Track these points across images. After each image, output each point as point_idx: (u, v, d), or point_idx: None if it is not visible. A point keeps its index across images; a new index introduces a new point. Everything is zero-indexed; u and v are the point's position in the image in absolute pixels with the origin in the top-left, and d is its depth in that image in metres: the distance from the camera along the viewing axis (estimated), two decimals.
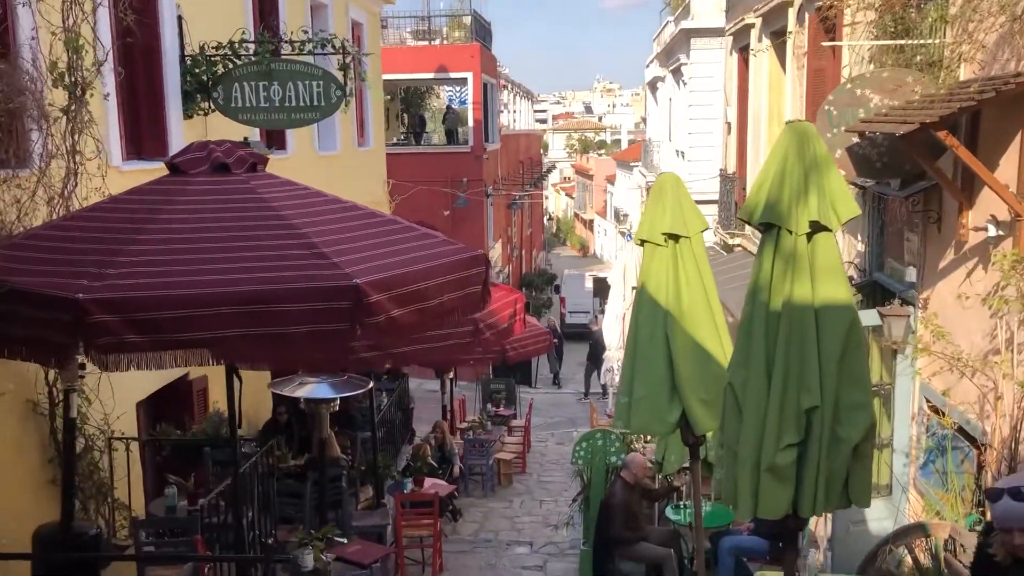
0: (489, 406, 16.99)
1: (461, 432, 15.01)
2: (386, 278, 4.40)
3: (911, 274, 7.20)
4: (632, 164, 44.75)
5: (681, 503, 8.61)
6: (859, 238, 8.74)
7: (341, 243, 4.60)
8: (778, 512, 3.75)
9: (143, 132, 8.02)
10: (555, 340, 23.90)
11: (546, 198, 62.28)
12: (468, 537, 10.71)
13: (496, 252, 25.34)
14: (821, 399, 3.67)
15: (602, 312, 28.62)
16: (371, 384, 7.63)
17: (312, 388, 7.33)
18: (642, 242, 5.91)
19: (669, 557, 8.01)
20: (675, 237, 5.78)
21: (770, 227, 3.83)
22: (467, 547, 9.78)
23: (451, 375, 13.25)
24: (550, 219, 65.33)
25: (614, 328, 17.31)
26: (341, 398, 11.09)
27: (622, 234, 49.86)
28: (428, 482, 9.48)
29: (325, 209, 4.99)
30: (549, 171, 47.20)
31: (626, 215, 48.17)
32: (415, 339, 7.60)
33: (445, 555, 9.34)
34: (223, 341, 4.21)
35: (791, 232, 3.77)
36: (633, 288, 14.75)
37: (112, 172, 6.90)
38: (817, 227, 3.76)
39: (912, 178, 6.85)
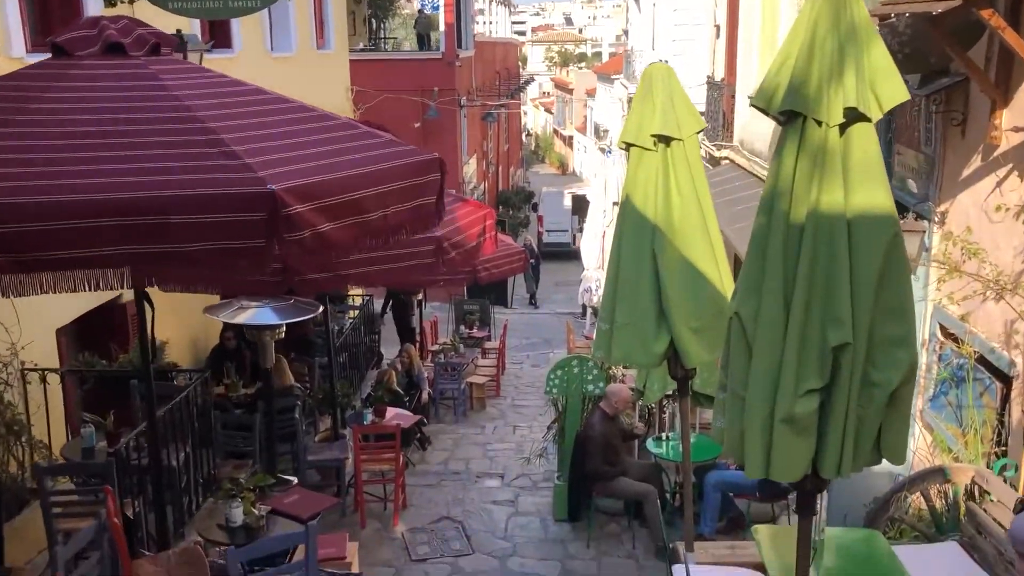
0: (462, 328, 16.29)
1: (432, 355, 14.34)
2: (311, 185, 3.56)
3: (925, 185, 6.42)
4: (613, 77, 43.22)
5: (663, 435, 7.99)
6: None
7: (259, 141, 3.74)
8: (795, 473, 3.03)
9: (52, 20, 6.95)
10: (532, 260, 23.18)
11: (524, 113, 60.70)
12: (436, 467, 10.11)
13: (470, 168, 24.30)
14: (853, 334, 2.91)
15: (580, 231, 27.86)
16: (320, 308, 6.82)
17: (253, 313, 6.50)
18: (628, 146, 5.06)
19: (650, 493, 7.41)
20: (666, 140, 4.94)
21: (794, 116, 3.00)
22: (434, 480, 9.17)
23: (419, 296, 12.46)
24: (528, 135, 63.79)
25: (593, 246, 16.55)
26: (294, 323, 10.38)
27: (602, 150, 48.72)
28: (391, 412, 8.79)
29: (243, 101, 4.10)
30: (527, 84, 45.54)
31: (606, 130, 46.90)
32: (370, 259, 6.79)
33: (410, 489, 8.72)
34: (106, 260, 3.37)
35: (820, 123, 2.94)
36: (615, 203, 13.95)
37: (14, 64, 5.91)
38: (853, 116, 2.94)
39: (933, 75, 6.00)
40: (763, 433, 3.01)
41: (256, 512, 4.80)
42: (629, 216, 5.03)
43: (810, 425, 2.99)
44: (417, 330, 13.84)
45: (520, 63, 58.34)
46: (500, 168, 33.83)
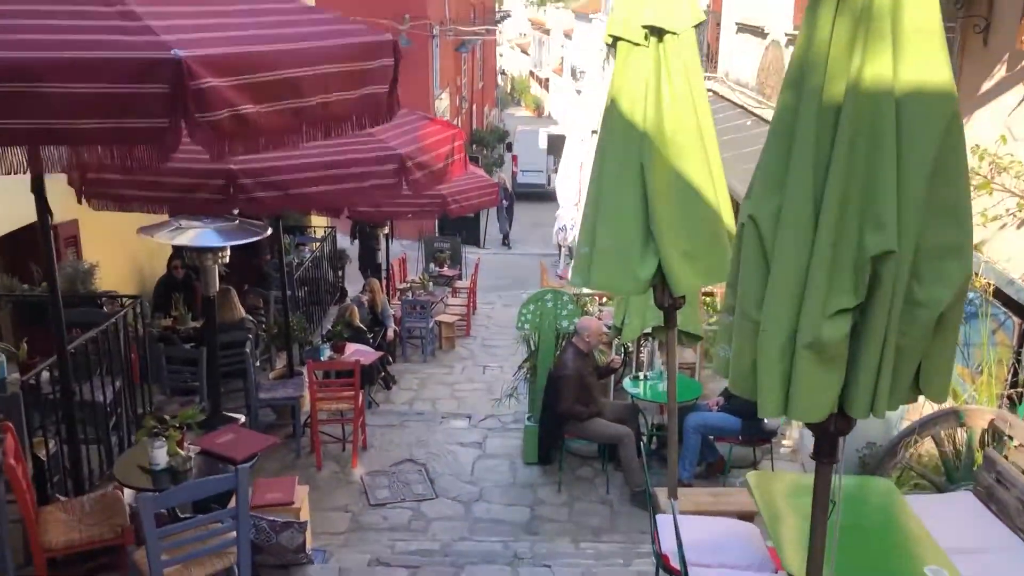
0: (432, 265, 15.67)
1: (400, 293, 13.73)
2: (231, 56, 2.87)
3: None
4: (591, 16, 42.16)
5: (641, 374, 7.47)
6: None
7: (168, 4, 3.03)
8: (819, 411, 2.48)
9: None
10: (505, 200, 22.46)
11: (500, 55, 59.28)
12: (401, 408, 9.57)
13: (443, 103, 23.38)
14: (898, 240, 2.33)
15: (555, 171, 27.13)
16: (269, 231, 6.14)
17: (193, 235, 5.81)
18: (614, 40, 4.41)
19: (627, 436, 6.92)
20: (659, 33, 4.29)
21: None
22: (396, 420, 8.63)
23: (386, 230, 11.78)
24: (504, 75, 62.31)
25: (570, 182, 15.88)
26: (248, 254, 9.69)
27: (578, 92, 47.73)
28: (351, 348, 8.19)
29: None
30: (503, 19, 44.15)
31: (583, 72, 45.87)
32: (323, 177, 6.12)
33: (371, 430, 8.18)
34: None
35: None
36: (593, 132, 13.26)
37: None
38: None
39: None
40: (781, 362, 2.45)
41: (182, 453, 4.21)
42: (614, 123, 4.40)
43: (840, 353, 2.43)
44: (384, 267, 13.19)
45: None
46: (474, 107, 32.82)
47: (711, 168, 4.43)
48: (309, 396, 7.37)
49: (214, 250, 5.93)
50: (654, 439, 7.54)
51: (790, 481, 4.45)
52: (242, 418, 6.52)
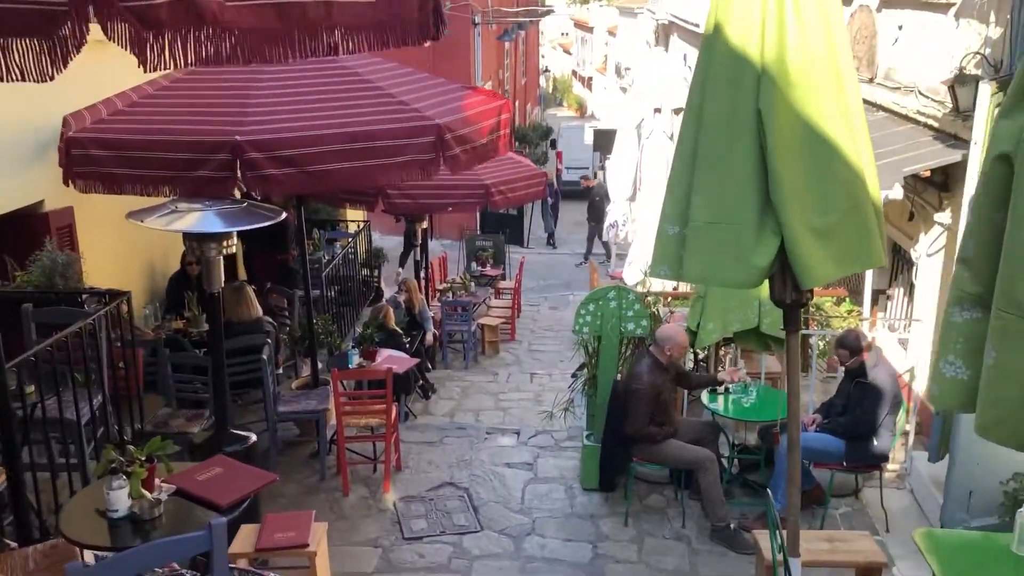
0: (474, 265, 14.66)
1: (439, 294, 12.74)
2: None
3: None
4: (636, 11, 40.95)
5: (722, 386, 6.34)
6: (992, 20, 6.13)
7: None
8: None
9: None
10: (550, 198, 21.39)
11: (543, 56, 58.39)
12: (440, 421, 8.55)
13: None
14: None
15: (602, 168, 26.04)
16: (283, 215, 5.16)
17: (192, 220, 4.86)
18: None
19: (708, 460, 5.81)
20: None
21: None
22: (435, 436, 7.60)
23: (424, 223, 10.77)
24: (546, 72, 61.22)
25: (624, 174, 14.74)
26: (266, 243, 8.75)
27: (623, 90, 46.53)
28: (383, 354, 7.19)
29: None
30: (546, 14, 43.04)
31: (628, 68, 44.66)
32: (344, 153, 5.10)
33: (406, 448, 7.17)
34: None
35: None
36: (656, 110, 12.12)
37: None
38: None
39: None
40: None
41: (149, 496, 3.20)
42: (718, 58, 3.30)
43: None
44: (423, 265, 12.18)
45: None
46: (517, 103, 31.81)
47: (850, 118, 3.30)
48: (335, 409, 6.37)
49: (217, 237, 4.97)
50: (736, 463, 6.41)
51: (971, 542, 3.32)
52: (253, 437, 5.55)
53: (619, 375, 6.37)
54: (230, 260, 9.24)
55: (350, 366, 6.86)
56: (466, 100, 6.09)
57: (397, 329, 8.72)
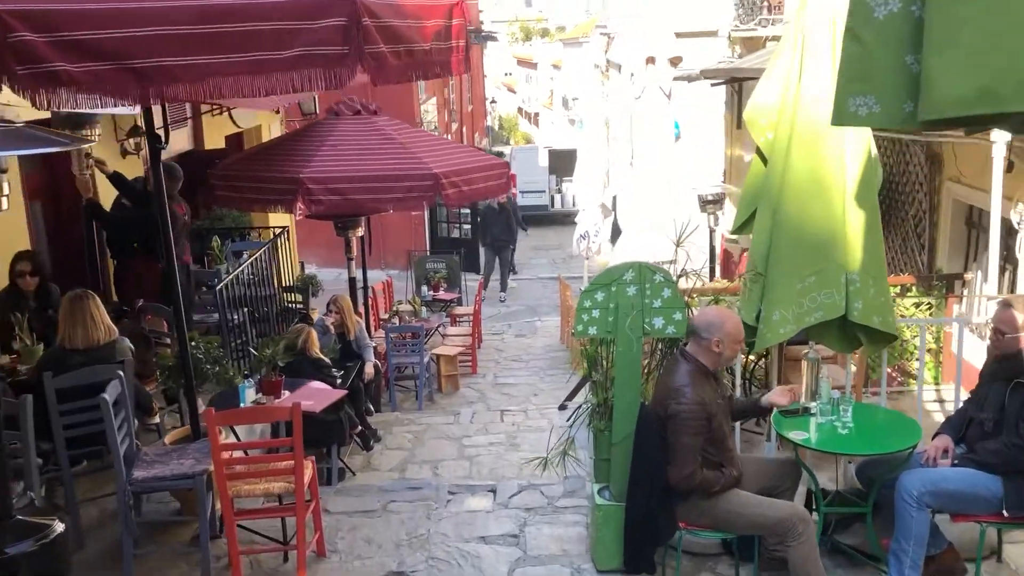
0: (424, 289, 12.53)
1: (382, 323, 10.57)
2: None
3: None
4: (582, 40, 39.79)
5: (800, 405, 4.25)
6: None
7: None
8: None
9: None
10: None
11: (492, 101, 57.36)
12: (386, 478, 6.39)
13: (430, 112, 20.44)
14: None
15: (559, 191, 24.34)
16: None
17: None
18: None
19: (802, 523, 3.71)
20: None
21: None
22: (377, 502, 5.35)
23: (360, 230, 8.59)
24: (493, 102, 59.85)
25: (591, 184, 12.85)
26: (147, 249, 6.54)
27: (571, 122, 45.29)
28: (302, 390, 4.97)
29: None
30: (488, 39, 41.45)
31: (575, 99, 43.47)
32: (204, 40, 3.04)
33: (335, 521, 4.95)
34: None
35: None
36: (651, 59, 10.32)
37: None
38: None
39: None
40: None
41: None
42: None
43: None
44: (363, 286, 9.97)
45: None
46: (465, 129, 29.96)
47: None
48: (215, 471, 4.14)
49: None
50: (823, 519, 4.29)
51: None
52: (58, 526, 3.32)
53: (643, 397, 4.26)
54: (76, 260, 7.01)
55: (241, 404, 4.64)
56: None
57: (322, 358, 6.52)
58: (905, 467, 3.92)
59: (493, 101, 56.35)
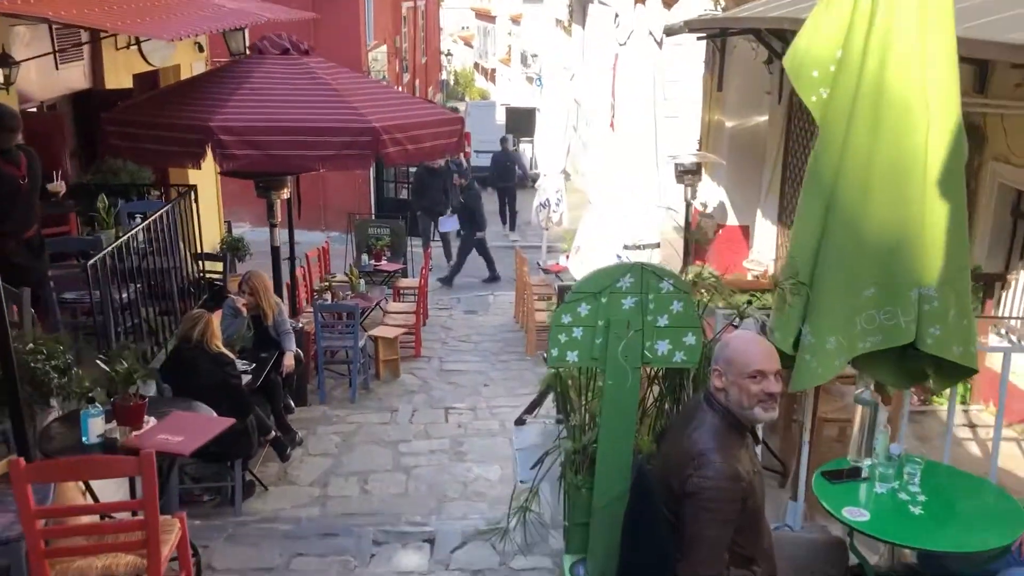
0: (365, 258, 11.22)
1: (313, 295, 9.28)
2: None
3: None
4: None
5: (855, 462, 3.11)
6: None
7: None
8: None
9: None
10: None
11: (448, 54, 55.37)
12: (302, 497, 5.21)
13: (380, 63, 18.87)
14: None
15: (515, 149, 22.87)
16: None
17: None
18: None
19: None
20: None
21: None
22: (279, 556, 4.11)
23: (285, 192, 7.24)
24: (449, 54, 57.92)
25: (553, 147, 11.63)
26: None
27: (529, 79, 43.76)
28: (171, 417, 3.69)
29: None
30: None
31: (535, 56, 41.93)
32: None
33: None
34: None
35: None
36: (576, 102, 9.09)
37: None
38: None
39: None
40: None
41: None
42: None
43: None
44: (287, 260, 8.61)
45: None
46: (418, 82, 28.31)
47: None
48: (28, 543, 2.87)
49: None
50: None
51: None
52: None
53: (637, 447, 3.10)
54: None
55: (84, 440, 3.35)
56: None
57: (224, 352, 5.23)
58: (998, 562, 2.84)
59: (449, 54, 54.35)
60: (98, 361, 3.45)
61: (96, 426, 3.29)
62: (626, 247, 6.59)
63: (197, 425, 3.54)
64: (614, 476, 3.08)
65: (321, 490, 5.81)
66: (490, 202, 16.91)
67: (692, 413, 2.75)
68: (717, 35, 8.41)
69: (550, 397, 5.28)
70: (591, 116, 7.44)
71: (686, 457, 2.62)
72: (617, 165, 6.83)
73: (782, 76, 8.64)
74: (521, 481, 4.53)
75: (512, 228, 17.36)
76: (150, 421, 3.46)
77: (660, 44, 6.60)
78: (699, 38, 8.52)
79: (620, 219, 6.68)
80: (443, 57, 49.23)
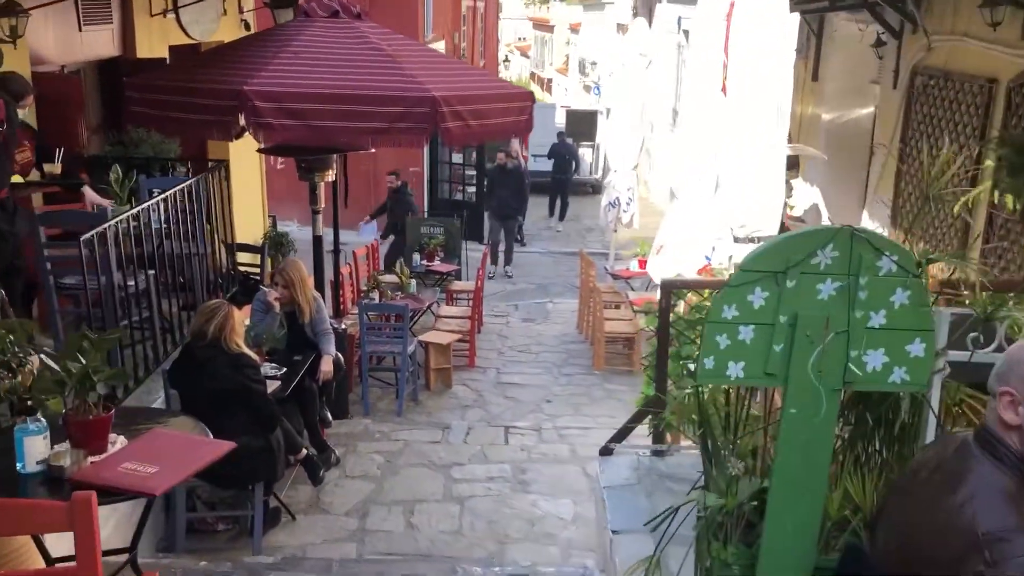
0: (416, 257, 10.25)
1: (361, 295, 8.32)
2: None
3: None
4: (604, 1, 37.24)
5: None
6: None
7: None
8: None
9: None
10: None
11: (505, 60, 55.05)
12: (337, 531, 4.24)
13: None
14: None
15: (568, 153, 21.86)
16: None
17: None
18: None
19: None
20: None
21: None
22: None
23: (330, 174, 6.30)
24: (507, 61, 57.53)
25: (625, 142, 10.56)
26: None
27: (587, 88, 42.76)
28: (146, 438, 2.72)
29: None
30: None
31: (594, 63, 40.97)
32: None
33: None
34: None
35: None
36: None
37: None
38: None
39: None
40: None
41: None
42: None
43: None
44: (331, 252, 7.67)
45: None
46: None
47: None
48: None
49: None
50: None
51: None
52: None
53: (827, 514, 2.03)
54: None
55: (19, 468, 2.37)
56: None
57: (246, 352, 4.28)
58: None
59: (506, 60, 53.78)
60: (41, 356, 2.48)
61: (35, 448, 2.28)
62: (736, 240, 5.50)
63: (182, 450, 2.52)
64: (791, 554, 2.01)
65: (359, 521, 4.85)
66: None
67: (954, 467, 1.67)
68: (826, 8, 7.30)
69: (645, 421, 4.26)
70: (693, 82, 6.36)
71: (961, 541, 1.54)
72: (732, 135, 5.73)
73: (898, 58, 7.51)
74: (613, 531, 3.51)
75: (561, 219, 17.18)
76: (117, 442, 2.48)
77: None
78: (803, 12, 7.42)
79: (730, 203, 5.60)
80: (500, 64, 48.65)
